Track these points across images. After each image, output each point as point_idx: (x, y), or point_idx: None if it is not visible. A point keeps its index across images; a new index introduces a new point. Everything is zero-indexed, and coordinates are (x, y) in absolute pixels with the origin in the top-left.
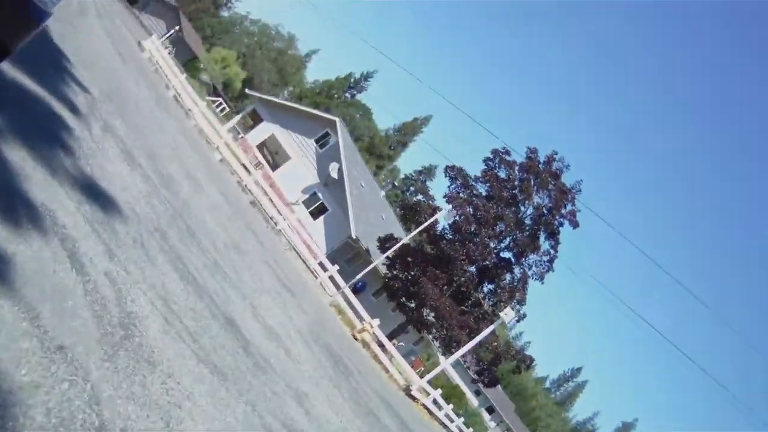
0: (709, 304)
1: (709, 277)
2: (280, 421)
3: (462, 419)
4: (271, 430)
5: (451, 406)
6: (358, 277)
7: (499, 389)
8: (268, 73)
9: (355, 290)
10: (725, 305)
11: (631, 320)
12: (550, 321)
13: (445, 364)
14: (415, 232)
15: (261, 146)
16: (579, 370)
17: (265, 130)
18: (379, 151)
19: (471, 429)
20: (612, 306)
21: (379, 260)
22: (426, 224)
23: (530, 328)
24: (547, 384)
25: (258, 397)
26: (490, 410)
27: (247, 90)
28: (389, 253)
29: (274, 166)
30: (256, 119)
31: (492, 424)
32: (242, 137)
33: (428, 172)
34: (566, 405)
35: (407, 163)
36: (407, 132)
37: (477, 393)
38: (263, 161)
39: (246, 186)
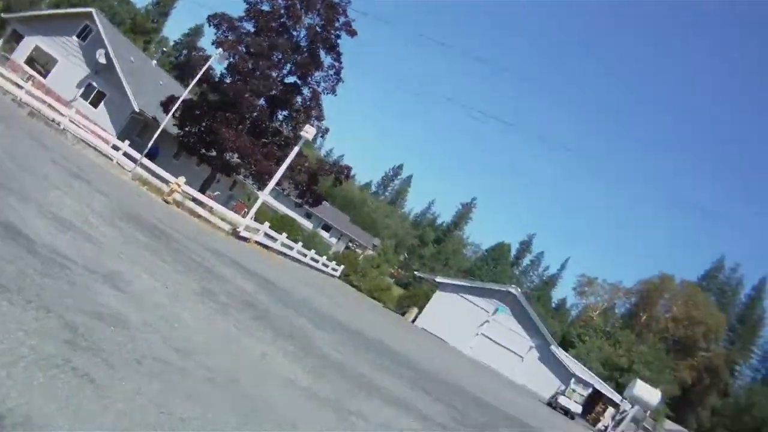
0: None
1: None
2: (88, 313)
3: (300, 243)
4: (76, 327)
5: (284, 234)
6: (150, 144)
7: (327, 206)
8: None
9: (151, 156)
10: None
11: (437, 105)
12: (359, 128)
13: (263, 196)
14: (192, 84)
15: (29, 61)
16: (400, 167)
17: (27, 45)
18: (143, 27)
19: (313, 250)
20: (412, 97)
21: (165, 121)
22: (200, 74)
23: (340, 141)
24: (374, 188)
25: (53, 296)
26: (327, 228)
27: (2, 15)
28: (173, 111)
29: (47, 74)
30: (18, 38)
31: (333, 240)
32: (8, 59)
33: (195, 32)
34: (399, 202)
35: (175, 30)
36: (166, 2)
37: (308, 216)
38: (35, 74)
39: (21, 100)
